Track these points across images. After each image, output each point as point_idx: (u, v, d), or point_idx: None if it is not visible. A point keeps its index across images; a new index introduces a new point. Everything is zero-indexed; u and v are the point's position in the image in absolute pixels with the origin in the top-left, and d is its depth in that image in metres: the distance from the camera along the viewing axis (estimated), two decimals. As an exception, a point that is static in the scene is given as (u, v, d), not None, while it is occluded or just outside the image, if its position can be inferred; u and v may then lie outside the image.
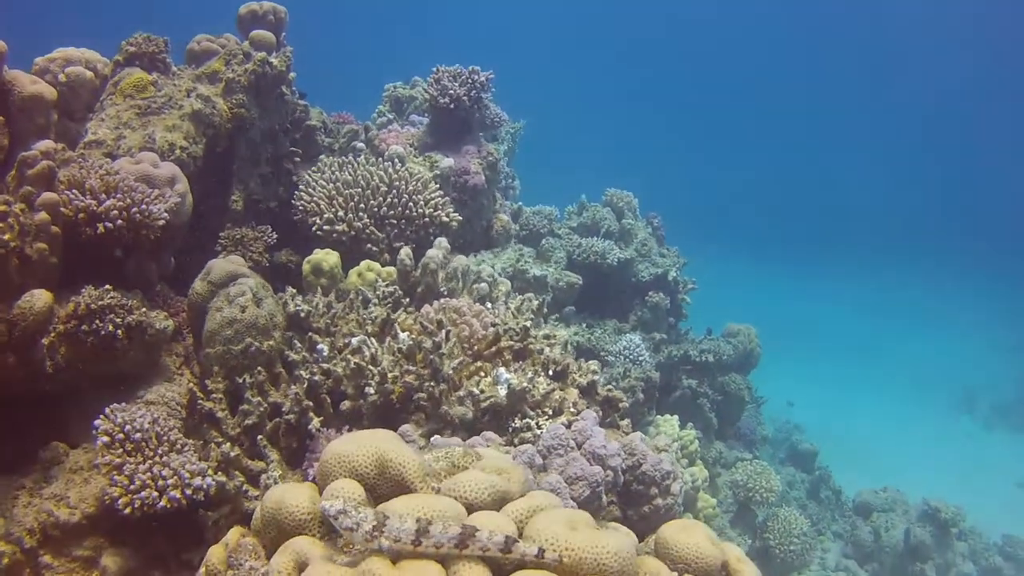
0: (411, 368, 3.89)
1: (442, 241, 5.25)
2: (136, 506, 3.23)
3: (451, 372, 3.89)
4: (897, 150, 48.61)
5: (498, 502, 2.14)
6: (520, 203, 9.17)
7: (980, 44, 47.18)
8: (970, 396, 19.82)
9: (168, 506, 3.28)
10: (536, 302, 4.99)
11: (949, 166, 47.20)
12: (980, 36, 47.08)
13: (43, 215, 3.68)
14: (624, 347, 8.23)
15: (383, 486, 2.12)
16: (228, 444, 3.70)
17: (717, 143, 50.13)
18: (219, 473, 3.55)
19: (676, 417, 7.58)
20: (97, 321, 3.69)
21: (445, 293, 4.98)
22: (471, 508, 2.08)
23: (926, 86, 48.52)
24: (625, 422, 4.53)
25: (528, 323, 4.41)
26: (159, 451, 3.44)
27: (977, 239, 37.74)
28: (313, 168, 5.90)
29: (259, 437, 3.80)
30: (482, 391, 3.89)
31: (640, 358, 8.18)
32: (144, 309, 3.95)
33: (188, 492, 3.32)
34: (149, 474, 3.31)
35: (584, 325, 8.35)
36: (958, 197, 44.37)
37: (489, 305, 4.84)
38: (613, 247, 8.69)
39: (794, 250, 35.20)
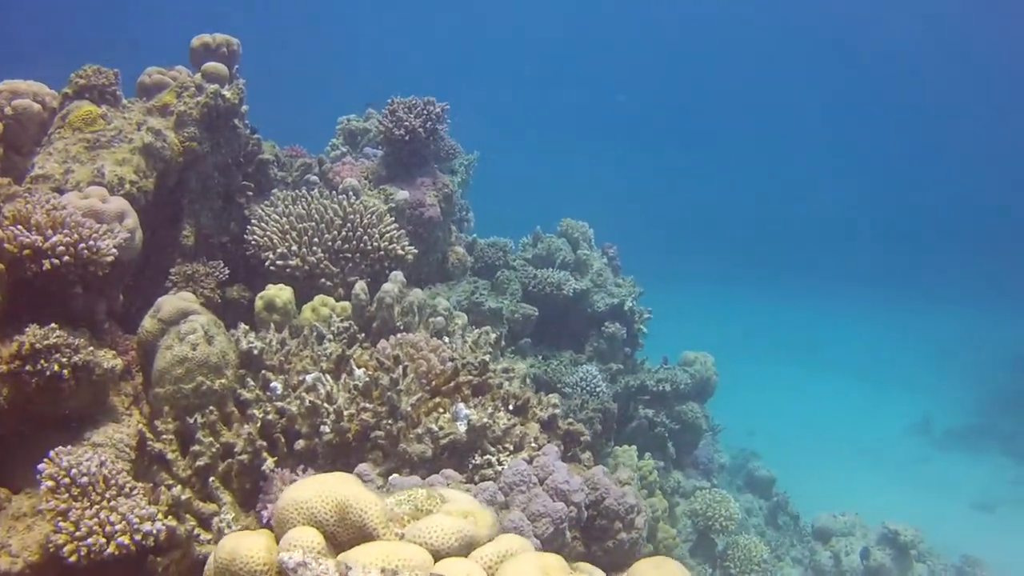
0: (367, 405, 3.82)
1: (397, 275, 5.19)
2: (82, 554, 3.10)
3: (409, 409, 3.82)
4: (856, 172, 49.40)
5: (466, 547, 2.06)
6: (475, 235, 9.13)
7: (940, 68, 48.30)
8: (926, 419, 20.05)
9: (116, 553, 3.15)
10: (493, 335, 4.94)
11: (909, 188, 48.00)
12: (942, 61, 48.23)
13: (-14, 252, 3.57)
14: (581, 378, 8.20)
15: (343, 533, 2.03)
16: (179, 487, 3.59)
17: (672, 172, 50.61)
18: (169, 517, 3.43)
19: (634, 448, 7.55)
20: (42, 361, 3.57)
21: (401, 328, 4.92)
22: (438, 555, 2.00)
23: (883, 111, 49.54)
24: (586, 455, 4.50)
25: (487, 357, 4.36)
26: (107, 495, 3.31)
27: (933, 264, 38.33)
28: (266, 202, 5.82)
29: (211, 479, 3.70)
30: (441, 428, 3.83)
31: (597, 389, 8.15)
32: (91, 348, 3.83)
33: (137, 538, 3.20)
34: (96, 520, 3.18)
35: (540, 357, 8.31)
36: (914, 224, 45.12)
37: (446, 339, 4.79)
38: (569, 278, 8.69)
39: (749, 276, 35.46)
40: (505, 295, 8.12)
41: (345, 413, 3.81)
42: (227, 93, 5.57)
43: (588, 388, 8.06)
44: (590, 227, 9.81)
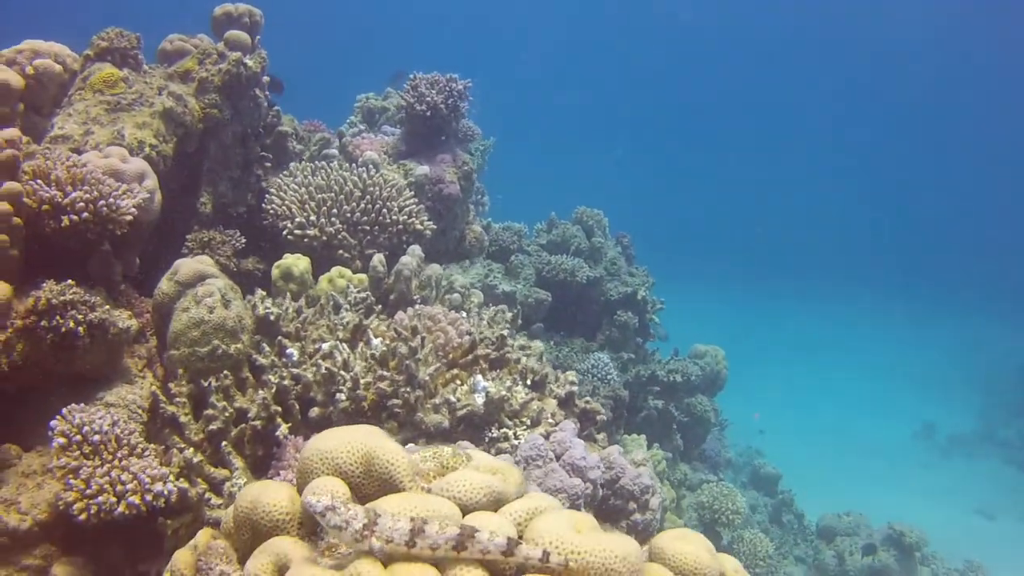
0: (385, 374, 3.76)
1: (416, 249, 5.13)
2: (92, 512, 3.05)
3: (427, 378, 3.76)
4: (862, 175, 49.21)
5: (494, 503, 1.99)
6: (489, 219, 9.07)
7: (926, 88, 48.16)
8: (928, 425, 19.99)
9: (126, 512, 3.10)
10: (509, 314, 4.88)
11: (916, 193, 47.79)
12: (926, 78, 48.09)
13: (5, 205, 3.51)
14: (592, 365, 8.15)
15: (369, 485, 1.96)
16: (191, 450, 3.54)
17: (674, 172, 50.40)
18: (181, 479, 3.39)
19: (643, 437, 7.49)
20: (58, 317, 3.52)
21: (418, 301, 4.86)
22: (466, 510, 1.93)
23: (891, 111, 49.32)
24: (601, 436, 4.43)
25: (505, 331, 4.30)
26: (118, 455, 3.27)
27: (938, 274, 38.17)
28: (285, 172, 5.76)
29: (223, 443, 3.64)
30: (458, 399, 3.76)
31: (608, 377, 8.11)
32: (107, 307, 3.78)
33: (148, 498, 3.15)
34: (107, 478, 3.13)
35: (552, 343, 8.26)
36: (921, 230, 44.93)
37: (463, 314, 4.72)
38: (583, 265, 8.64)
39: (761, 276, 35.35)
40: (519, 279, 8.07)
41: (362, 381, 3.75)
42: (249, 61, 5.51)
43: (599, 375, 8.01)
44: (604, 215, 9.72)
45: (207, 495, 3.43)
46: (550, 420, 3.90)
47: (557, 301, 8.06)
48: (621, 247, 9.75)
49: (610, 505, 3.83)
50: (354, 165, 5.88)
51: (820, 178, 49.13)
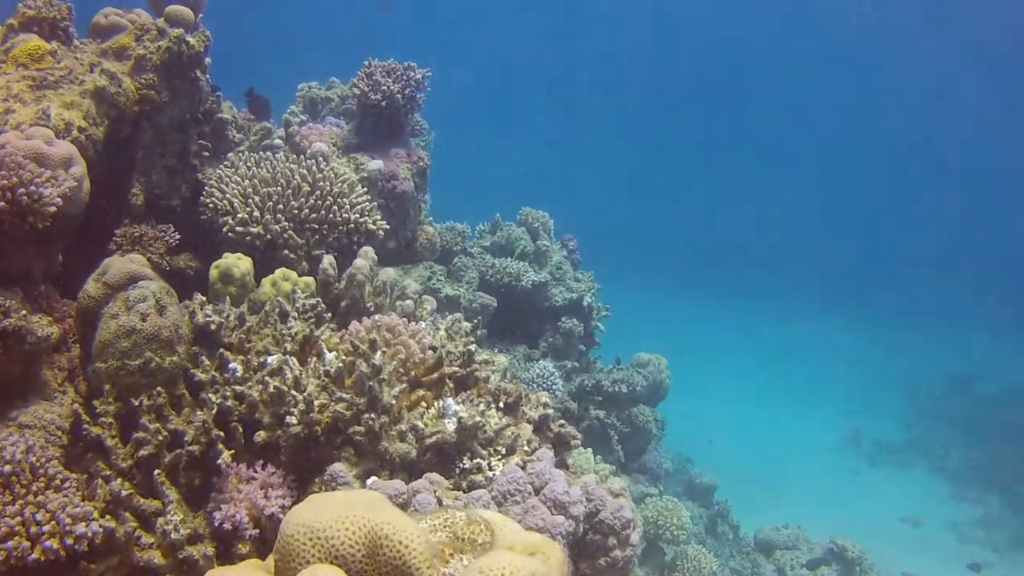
0: (343, 396, 3.35)
1: (368, 251, 4.72)
2: (0, 559, 2.59)
3: (392, 401, 3.36)
4: (811, 188, 49.74)
5: (542, 601, 1.60)
6: (431, 219, 8.71)
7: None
8: (856, 433, 20.15)
9: (42, 558, 2.65)
10: (467, 324, 4.50)
11: (857, 206, 48.56)
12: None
13: (-95, 192, 3.03)
14: (538, 375, 7.87)
15: (374, 574, 1.54)
16: (119, 480, 3.08)
17: (618, 173, 50.31)
18: (107, 516, 2.93)
19: (590, 450, 7.18)
20: (-36, 324, 3.04)
21: (372, 309, 4.46)
22: (509, 612, 1.54)
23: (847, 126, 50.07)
24: (571, 461, 4.10)
25: (472, 347, 3.93)
26: (33, 488, 2.80)
27: (863, 281, 38.72)
28: (226, 162, 5.28)
29: (156, 471, 3.19)
30: (426, 425, 3.38)
31: (554, 387, 7.83)
32: (24, 312, 3.30)
33: (69, 542, 2.69)
34: (19, 518, 2.67)
35: (496, 350, 7.92)
36: (848, 241, 45.60)
37: (422, 325, 4.33)
38: (528, 269, 8.35)
39: (699, 281, 35.45)
40: (461, 283, 7.74)
41: (316, 403, 3.33)
42: (192, 40, 5.03)
43: (545, 386, 7.73)
44: (550, 218, 9.46)
45: (137, 533, 2.98)
46: (525, 448, 3.53)
47: (500, 306, 7.75)
48: (567, 251, 9.47)
49: (587, 540, 3.49)
50: (302, 157, 5.43)
51: (762, 185, 49.59)
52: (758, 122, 51.63)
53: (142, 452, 3.23)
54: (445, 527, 1.75)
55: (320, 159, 5.41)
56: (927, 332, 29.66)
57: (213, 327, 3.73)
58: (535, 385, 7.57)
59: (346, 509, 1.56)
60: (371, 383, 3.30)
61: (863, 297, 35.91)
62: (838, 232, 45.97)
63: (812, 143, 51.01)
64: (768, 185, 49.52)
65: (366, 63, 6.23)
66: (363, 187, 5.44)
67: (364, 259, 4.59)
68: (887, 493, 16.80)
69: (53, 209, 3.45)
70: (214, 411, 3.37)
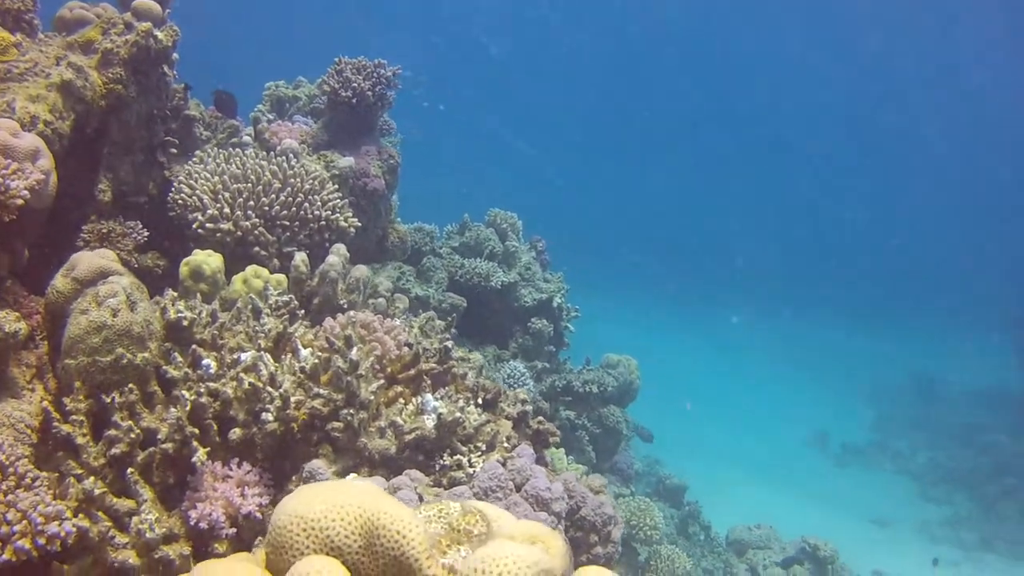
0: (320, 392, 3.29)
1: (340, 248, 4.67)
2: (-29, 559, 2.51)
3: (370, 397, 3.31)
4: (781, 196, 50.00)
5: (547, 590, 1.55)
6: (399, 219, 8.66)
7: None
8: (822, 434, 20.32)
9: (13, 559, 2.57)
10: (442, 322, 4.47)
11: (814, 204, 48.91)
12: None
13: None
14: (508, 375, 7.85)
15: (370, 564, 1.45)
16: (91, 479, 3.00)
17: (579, 175, 50.36)
18: (80, 516, 2.85)
19: (563, 451, 7.17)
20: (-70, 319, 2.95)
21: (345, 306, 4.40)
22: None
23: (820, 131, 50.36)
24: (549, 459, 4.06)
25: (449, 343, 3.88)
26: (3, 487, 2.72)
27: (829, 284, 39.06)
28: (195, 159, 5.19)
29: (129, 470, 3.12)
30: (405, 421, 3.33)
31: (525, 387, 7.81)
32: (-9, 307, 3.22)
33: (41, 542, 2.62)
34: (-10, 517, 2.60)
35: (467, 350, 7.89)
36: (816, 243, 45.96)
37: (397, 322, 4.28)
38: (497, 269, 8.34)
39: (667, 286, 35.58)
40: (431, 283, 7.70)
41: (292, 399, 3.27)
42: (160, 34, 4.94)
43: (515, 387, 7.70)
44: (519, 219, 9.44)
45: (111, 533, 2.91)
46: (505, 444, 3.49)
47: (469, 307, 7.74)
48: (535, 252, 9.48)
49: (570, 537, 3.45)
50: (272, 154, 5.35)
51: (729, 187, 49.86)
52: (710, 118, 51.92)
53: (114, 450, 3.14)
54: (440, 518, 1.70)
55: (291, 156, 5.35)
56: (892, 334, 30.01)
57: (185, 323, 3.66)
58: (505, 386, 7.54)
59: (341, 497, 1.50)
60: (349, 378, 3.25)
61: (830, 299, 36.25)
62: (803, 232, 46.38)
63: (775, 140, 51.34)
64: (735, 183, 49.81)
65: (336, 60, 6.17)
66: (334, 184, 5.38)
67: (336, 256, 4.54)
68: (855, 494, 17.00)
69: (20, 202, 3.37)
70: (188, 408, 3.30)
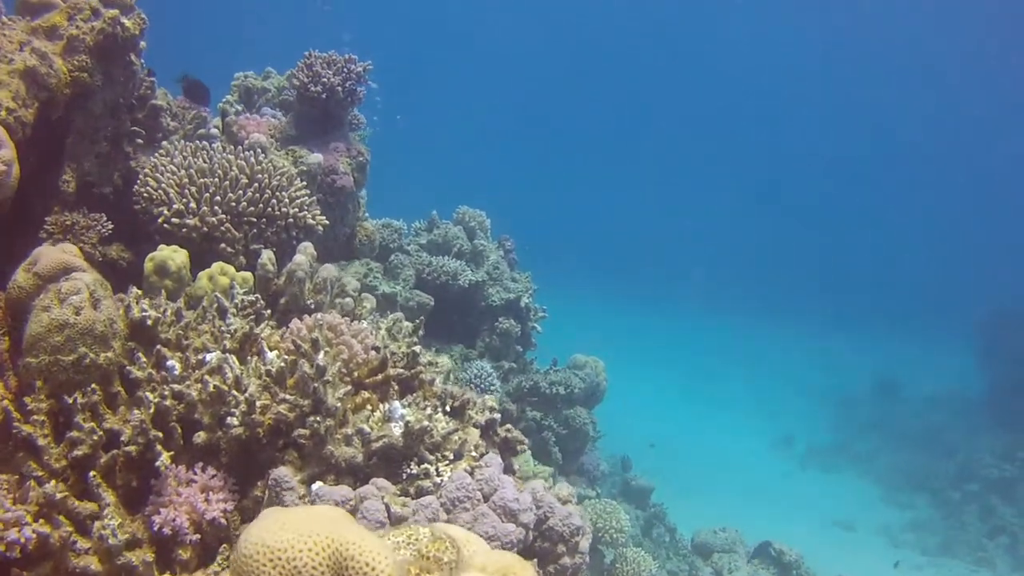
0: (287, 397, 3.24)
1: (308, 246, 4.59)
2: (-74, 566, 2.44)
3: (337, 404, 3.26)
4: (742, 195, 50.22)
5: (519, 624, 1.52)
6: (367, 215, 8.59)
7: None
8: (787, 437, 20.46)
9: (-30, 565, 2.51)
10: (410, 325, 4.42)
11: (775, 211, 49.18)
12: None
13: None
14: (475, 375, 7.82)
15: None
16: (52, 483, 2.93)
17: (546, 173, 50.35)
18: (40, 520, 2.78)
19: (529, 453, 7.16)
20: None
21: (312, 307, 4.34)
22: (486, 641, 1.46)
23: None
24: (518, 466, 4.04)
25: (417, 347, 3.84)
26: (-39, 490, 2.66)
27: (793, 289, 39.31)
28: (161, 151, 5.09)
29: (91, 473, 3.05)
30: (372, 428, 3.28)
31: (492, 388, 7.79)
32: (-50, 303, 3.13)
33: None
34: (-53, 522, 2.52)
35: (434, 350, 7.85)
36: (778, 248, 46.21)
37: (364, 324, 4.22)
38: (465, 268, 8.31)
39: (635, 288, 35.63)
40: (398, 281, 7.64)
41: (258, 404, 3.22)
42: (127, 22, 4.83)
43: (483, 387, 7.69)
44: (487, 217, 9.41)
45: (72, 538, 2.84)
46: (473, 453, 3.46)
47: (437, 305, 7.71)
48: (504, 251, 9.44)
49: (535, 548, 3.43)
50: (240, 148, 5.27)
51: (700, 189, 50.05)
52: (678, 123, 52.15)
53: (76, 452, 3.08)
54: (409, 544, 1.66)
55: (258, 151, 5.26)
56: (854, 338, 30.26)
57: (150, 322, 3.59)
58: (472, 386, 7.53)
59: (308, 526, 1.46)
60: (315, 384, 3.21)
61: (794, 303, 36.49)
62: (769, 238, 46.65)
63: (741, 146, 51.65)
64: (698, 190, 50.01)
65: (306, 54, 6.08)
66: (302, 181, 5.30)
67: (304, 255, 4.47)
68: (819, 497, 17.19)
69: (-18, 195, 3.28)
70: (152, 410, 3.24)
